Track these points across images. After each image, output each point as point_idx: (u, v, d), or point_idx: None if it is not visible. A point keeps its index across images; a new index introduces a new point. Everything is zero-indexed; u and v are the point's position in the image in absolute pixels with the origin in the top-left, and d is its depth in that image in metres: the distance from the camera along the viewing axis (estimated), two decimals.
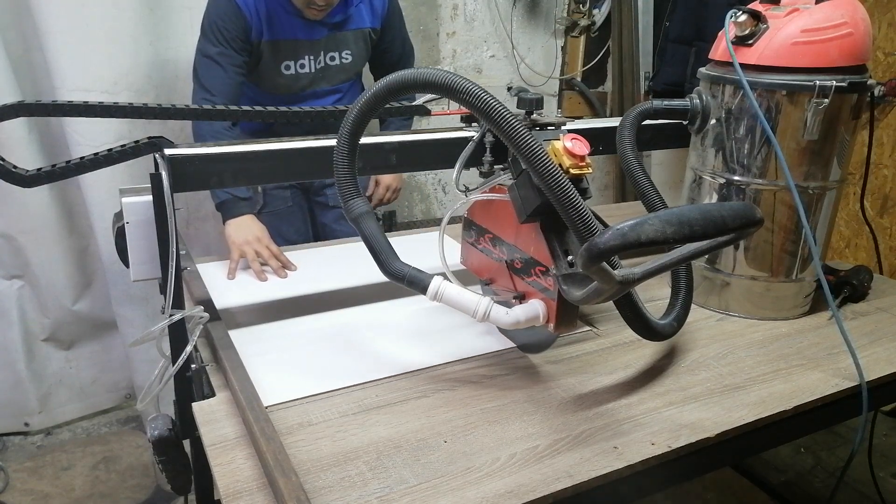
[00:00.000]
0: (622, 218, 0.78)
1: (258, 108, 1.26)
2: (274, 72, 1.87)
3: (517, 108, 1.12)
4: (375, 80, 0.98)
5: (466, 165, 1.12)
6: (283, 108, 1.27)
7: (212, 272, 1.54)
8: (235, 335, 1.22)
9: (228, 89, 1.75)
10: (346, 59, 1.93)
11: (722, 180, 1.34)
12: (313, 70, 1.91)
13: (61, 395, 2.43)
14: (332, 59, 1.91)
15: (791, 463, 2.33)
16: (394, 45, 2.00)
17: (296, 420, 1.01)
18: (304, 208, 2.16)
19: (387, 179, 2.21)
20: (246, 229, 1.60)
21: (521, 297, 1.12)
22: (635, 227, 0.77)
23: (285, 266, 1.56)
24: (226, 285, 1.50)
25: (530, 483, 0.89)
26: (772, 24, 1.23)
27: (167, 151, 1.09)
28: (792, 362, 1.22)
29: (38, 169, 1.07)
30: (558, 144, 1.00)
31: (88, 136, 2.05)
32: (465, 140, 1.16)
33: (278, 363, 1.18)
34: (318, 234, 2.19)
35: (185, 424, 1.14)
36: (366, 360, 1.20)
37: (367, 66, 2.06)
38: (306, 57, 1.88)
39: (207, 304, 1.27)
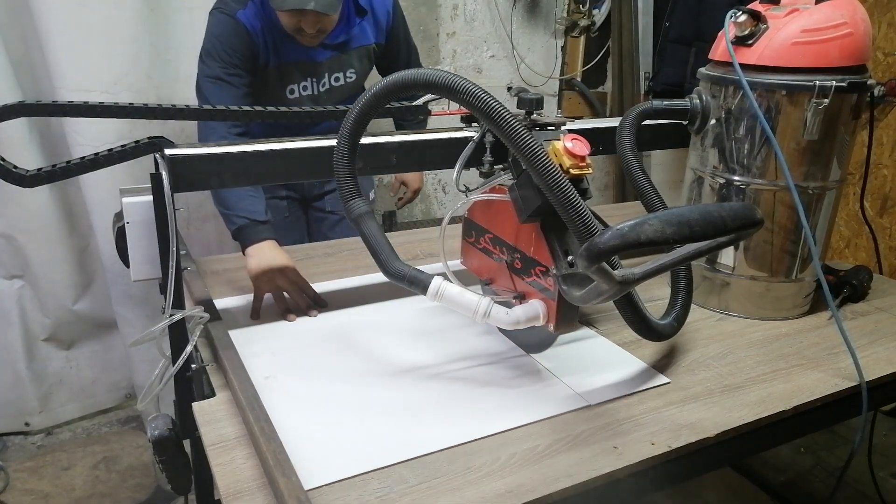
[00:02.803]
0: (622, 218, 0.78)
1: (258, 107, 1.26)
2: (278, 96, 1.83)
3: (517, 108, 1.12)
4: None
5: (466, 165, 1.12)
6: (283, 108, 1.27)
7: (233, 312, 1.36)
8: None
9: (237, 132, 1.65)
10: (351, 77, 1.90)
11: (722, 180, 1.34)
12: (317, 92, 1.87)
13: (61, 395, 2.43)
14: (337, 80, 1.88)
15: (791, 463, 2.33)
16: (400, 52, 1.98)
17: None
18: (301, 219, 2.13)
19: (416, 183, 2.20)
20: (271, 260, 1.40)
21: (521, 297, 1.12)
22: (635, 227, 0.77)
23: (316, 301, 1.39)
24: (251, 333, 1.28)
25: (530, 483, 0.89)
26: (772, 24, 1.23)
27: (167, 151, 1.09)
28: (792, 362, 1.22)
29: (38, 169, 1.07)
30: (558, 145, 1.00)
31: (88, 136, 2.04)
32: (465, 140, 1.16)
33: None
34: (314, 240, 2.15)
35: (185, 424, 1.14)
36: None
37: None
38: (309, 80, 1.84)
39: (207, 304, 1.27)
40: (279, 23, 1.69)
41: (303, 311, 1.36)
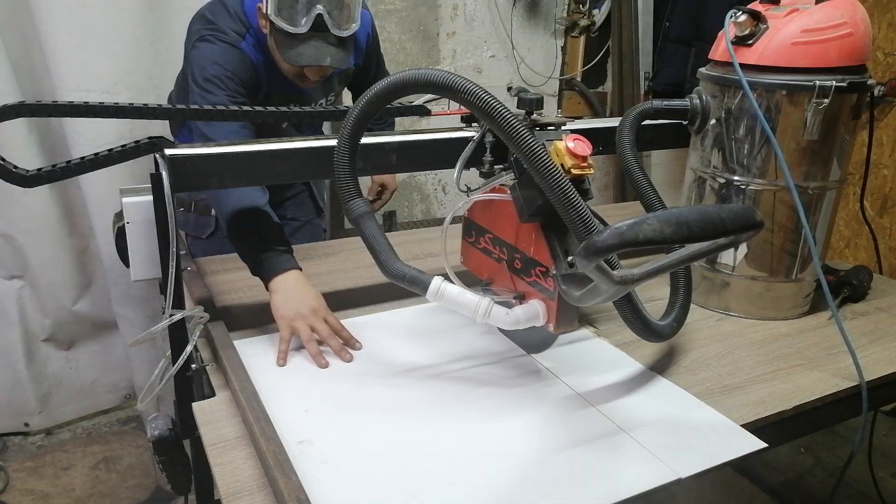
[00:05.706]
0: (622, 218, 0.78)
1: (258, 108, 1.26)
2: (270, 125, 1.78)
3: (517, 108, 1.12)
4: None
5: (467, 166, 1.12)
6: (284, 109, 1.27)
7: (254, 355, 1.19)
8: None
9: (248, 132, 1.55)
10: (330, 100, 1.90)
11: (722, 180, 1.34)
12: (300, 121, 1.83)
13: (61, 395, 2.43)
14: (321, 106, 1.84)
15: (791, 463, 2.33)
16: (371, 67, 1.94)
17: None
18: None
19: (394, 184, 2.19)
20: (299, 298, 1.24)
21: (521, 298, 1.12)
22: (633, 226, 0.77)
23: (348, 344, 1.24)
24: (275, 376, 1.15)
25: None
26: (772, 24, 1.23)
27: (167, 151, 1.09)
28: (792, 362, 1.22)
29: (38, 169, 1.07)
30: (560, 145, 1.00)
31: (88, 136, 2.04)
32: (465, 140, 1.16)
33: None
34: None
35: (185, 424, 1.14)
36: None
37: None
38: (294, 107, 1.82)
39: (207, 304, 1.27)
40: (273, 56, 1.64)
41: (336, 353, 1.21)
